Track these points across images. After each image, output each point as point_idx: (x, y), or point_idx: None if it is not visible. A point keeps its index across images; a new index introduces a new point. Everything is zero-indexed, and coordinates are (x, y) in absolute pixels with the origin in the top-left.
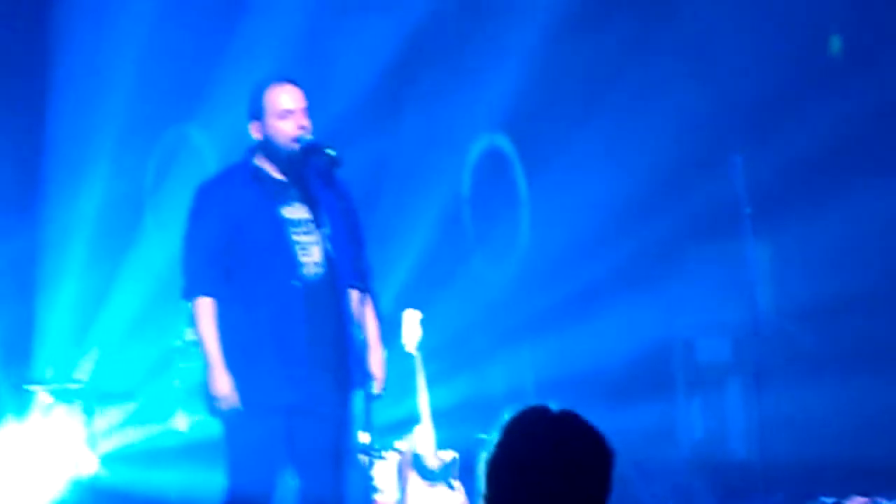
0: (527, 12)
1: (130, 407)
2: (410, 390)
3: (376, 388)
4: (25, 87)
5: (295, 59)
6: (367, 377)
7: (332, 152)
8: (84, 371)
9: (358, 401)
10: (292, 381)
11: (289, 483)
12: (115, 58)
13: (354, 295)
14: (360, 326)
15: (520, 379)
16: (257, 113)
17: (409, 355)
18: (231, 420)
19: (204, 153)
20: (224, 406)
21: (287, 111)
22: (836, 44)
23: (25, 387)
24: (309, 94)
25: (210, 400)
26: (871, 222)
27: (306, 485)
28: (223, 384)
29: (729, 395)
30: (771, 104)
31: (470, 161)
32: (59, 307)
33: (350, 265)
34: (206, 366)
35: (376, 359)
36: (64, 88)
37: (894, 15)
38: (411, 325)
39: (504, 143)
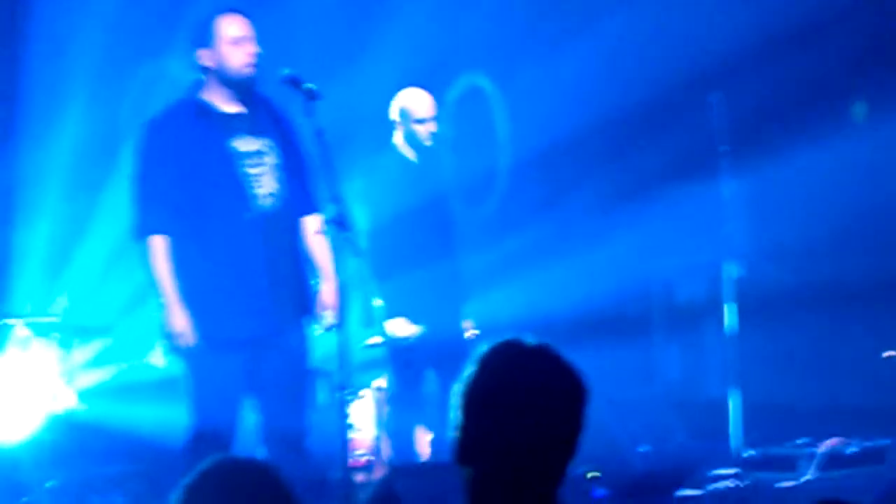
0: None
1: (108, 341)
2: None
3: (330, 317)
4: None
5: None
6: (322, 307)
7: (311, 86)
8: (61, 305)
9: (312, 330)
10: (253, 313)
11: (250, 417)
12: None
13: (312, 221)
14: (315, 255)
15: (495, 319)
16: (207, 41)
17: None
18: (191, 357)
19: (182, 87)
20: (183, 343)
21: (239, 38)
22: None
23: (2, 320)
24: (285, 31)
25: (169, 338)
26: (849, 160)
27: (269, 417)
28: (180, 321)
29: (706, 335)
30: (749, 42)
31: (449, 100)
32: (36, 241)
33: (302, 194)
34: (162, 304)
35: (329, 288)
36: (40, 22)
37: None
38: None
39: (484, 81)
